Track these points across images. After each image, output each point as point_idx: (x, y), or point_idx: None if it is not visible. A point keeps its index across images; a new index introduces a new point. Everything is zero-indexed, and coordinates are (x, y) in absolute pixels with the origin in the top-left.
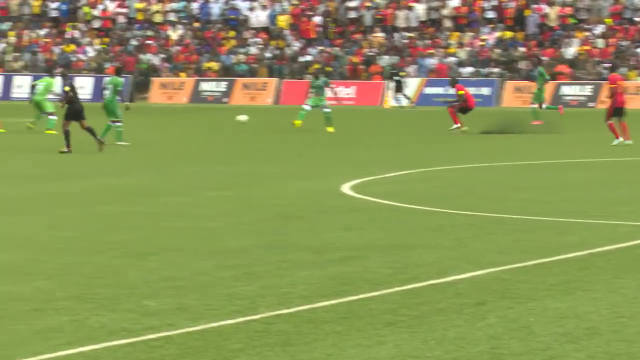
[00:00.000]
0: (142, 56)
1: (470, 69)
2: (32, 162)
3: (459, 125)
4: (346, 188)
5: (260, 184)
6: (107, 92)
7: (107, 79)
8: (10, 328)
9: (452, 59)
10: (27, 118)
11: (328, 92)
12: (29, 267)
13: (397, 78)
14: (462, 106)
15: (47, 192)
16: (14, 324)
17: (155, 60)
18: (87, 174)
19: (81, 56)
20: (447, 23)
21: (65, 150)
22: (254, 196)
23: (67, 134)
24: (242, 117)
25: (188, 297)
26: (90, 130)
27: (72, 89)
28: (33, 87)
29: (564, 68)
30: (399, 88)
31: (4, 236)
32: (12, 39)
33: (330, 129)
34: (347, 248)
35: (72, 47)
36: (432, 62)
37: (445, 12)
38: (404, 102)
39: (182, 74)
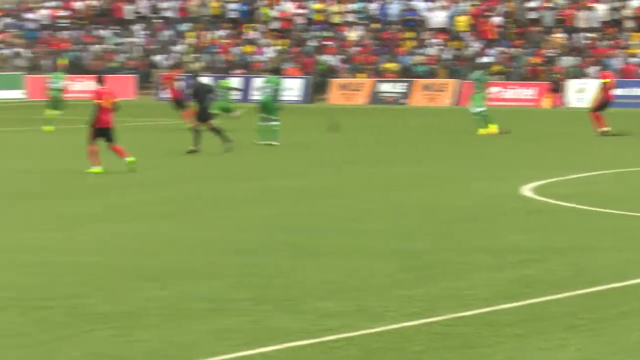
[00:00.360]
0: (320, 57)
1: None
2: (206, 163)
3: (606, 129)
4: (527, 190)
5: (439, 185)
6: (267, 91)
7: (264, 78)
8: (190, 328)
9: (633, 60)
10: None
11: (484, 90)
12: (207, 269)
13: (553, 79)
14: (601, 104)
15: (224, 193)
16: (193, 325)
17: (334, 61)
18: (262, 175)
19: (259, 57)
20: (629, 24)
21: (194, 148)
22: (433, 197)
23: (196, 134)
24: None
25: (367, 299)
26: (214, 130)
27: (196, 90)
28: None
29: None
30: (555, 89)
31: (181, 238)
32: (191, 40)
33: (491, 130)
34: (527, 250)
35: (251, 48)
36: (615, 63)
37: (626, 12)
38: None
39: (361, 74)
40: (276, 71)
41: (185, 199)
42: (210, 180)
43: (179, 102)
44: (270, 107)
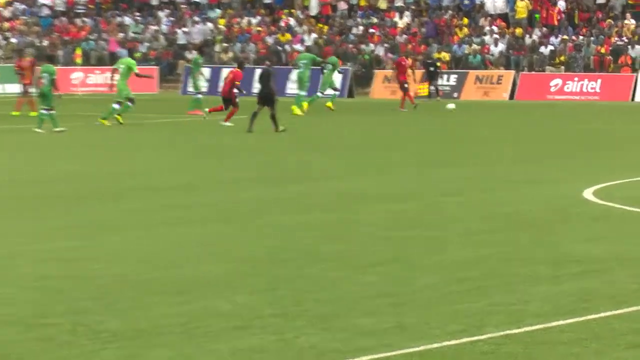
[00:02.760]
0: (364, 46)
1: None
2: (233, 165)
3: None
4: (589, 193)
5: (494, 188)
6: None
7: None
8: (209, 348)
9: None
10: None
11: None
12: (232, 281)
13: (432, 68)
14: None
15: (254, 198)
16: (214, 344)
17: (379, 50)
18: (301, 177)
19: (297, 46)
20: None
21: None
22: (487, 202)
23: (253, 115)
24: (450, 105)
25: (409, 315)
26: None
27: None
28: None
29: None
30: (432, 77)
31: (206, 244)
32: (222, 27)
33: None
34: (588, 261)
35: (288, 36)
36: None
37: None
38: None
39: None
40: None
41: (212, 204)
42: (241, 183)
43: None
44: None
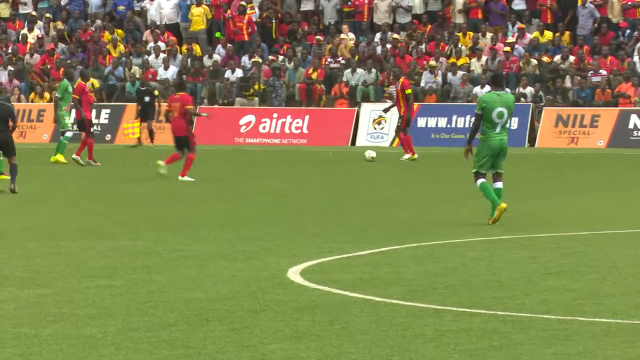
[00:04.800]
0: None
1: (486, 89)
2: None
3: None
4: (294, 273)
5: (166, 268)
6: None
7: None
8: None
9: (460, 73)
10: None
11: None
12: None
13: (148, 98)
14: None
15: None
16: None
17: (1, 76)
18: None
19: None
20: (458, 18)
21: None
22: (156, 287)
23: None
24: (371, 153)
25: None
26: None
27: None
28: None
29: (628, 87)
30: (147, 113)
31: None
32: None
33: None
34: None
35: None
36: (430, 77)
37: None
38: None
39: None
40: None
41: None
42: None
43: None
44: None
